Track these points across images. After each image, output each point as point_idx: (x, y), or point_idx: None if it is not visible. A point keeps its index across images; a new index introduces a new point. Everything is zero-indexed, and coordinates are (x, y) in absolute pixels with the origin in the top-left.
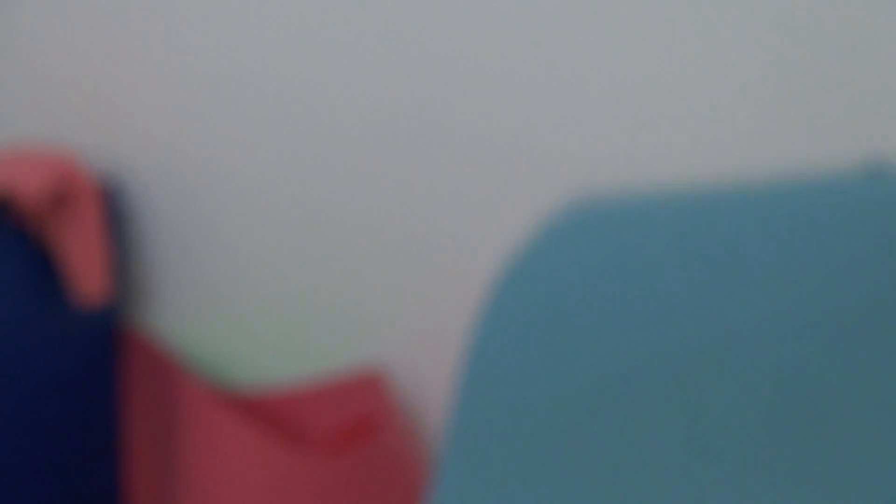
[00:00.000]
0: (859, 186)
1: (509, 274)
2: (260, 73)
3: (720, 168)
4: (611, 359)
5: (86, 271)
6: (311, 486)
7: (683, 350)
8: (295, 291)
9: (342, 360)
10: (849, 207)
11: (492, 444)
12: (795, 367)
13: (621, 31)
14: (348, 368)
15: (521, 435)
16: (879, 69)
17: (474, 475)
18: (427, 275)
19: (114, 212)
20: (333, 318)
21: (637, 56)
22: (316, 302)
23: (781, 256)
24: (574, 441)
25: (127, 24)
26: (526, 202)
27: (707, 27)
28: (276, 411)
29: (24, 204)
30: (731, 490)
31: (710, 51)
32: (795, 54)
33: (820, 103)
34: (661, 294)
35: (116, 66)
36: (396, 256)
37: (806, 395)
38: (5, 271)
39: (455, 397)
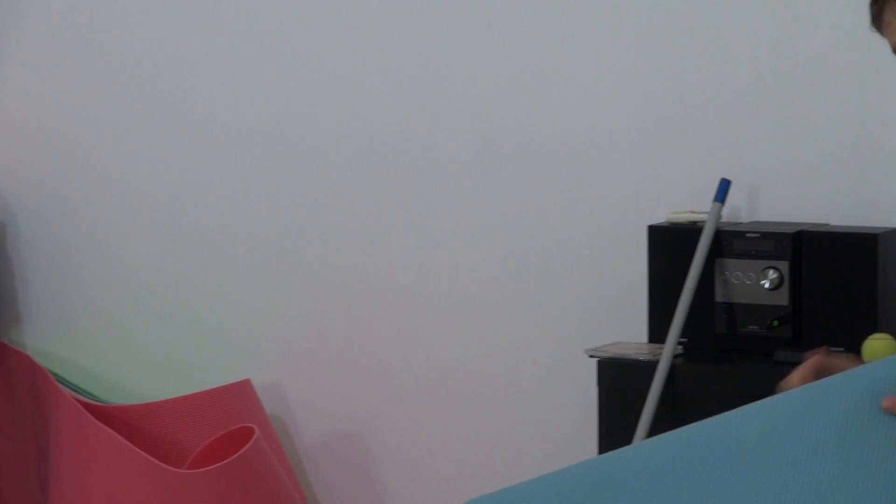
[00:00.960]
0: None
1: None
2: (142, 101)
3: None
4: None
5: None
6: (181, 496)
7: None
8: (166, 312)
9: (212, 376)
10: None
11: None
12: None
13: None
14: (218, 385)
15: None
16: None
17: None
18: (290, 295)
19: None
20: (204, 336)
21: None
22: (186, 322)
23: None
24: None
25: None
26: (383, 223)
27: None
28: (147, 423)
29: None
30: None
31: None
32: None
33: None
34: None
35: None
36: (257, 281)
37: None
38: None
39: None
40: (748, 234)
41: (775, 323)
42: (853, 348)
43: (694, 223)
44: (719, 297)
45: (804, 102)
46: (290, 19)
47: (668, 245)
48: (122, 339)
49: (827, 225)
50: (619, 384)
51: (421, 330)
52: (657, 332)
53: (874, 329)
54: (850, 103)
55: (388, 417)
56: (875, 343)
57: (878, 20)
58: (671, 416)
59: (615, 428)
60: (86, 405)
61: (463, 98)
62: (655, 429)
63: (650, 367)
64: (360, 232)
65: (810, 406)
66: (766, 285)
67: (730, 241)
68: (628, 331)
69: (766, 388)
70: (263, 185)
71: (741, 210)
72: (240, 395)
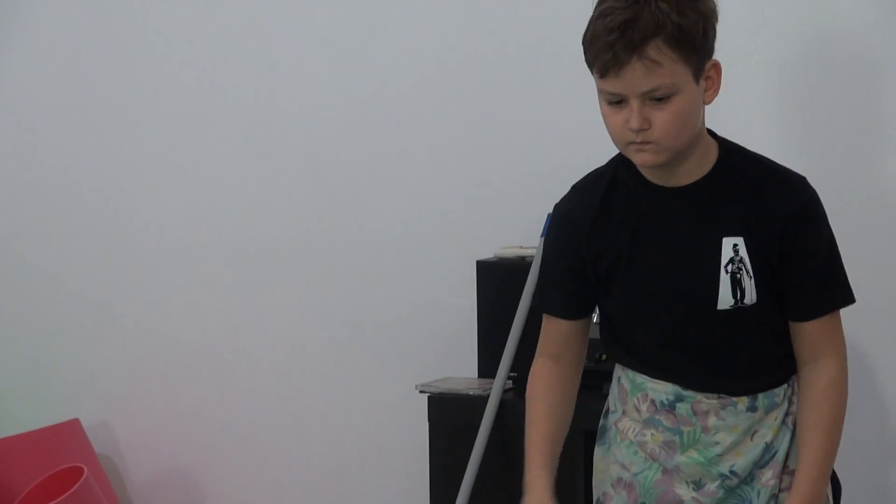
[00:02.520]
0: None
1: None
2: None
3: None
4: None
5: None
6: None
7: None
8: None
9: (40, 416)
10: None
11: None
12: None
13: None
14: (46, 424)
15: None
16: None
17: None
18: (118, 333)
19: None
20: (32, 375)
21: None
22: (12, 359)
23: None
24: None
25: None
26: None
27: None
28: None
29: None
30: None
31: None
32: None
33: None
34: None
35: None
36: (85, 318)
37: None
38: None
39: None
40: None
41: (603, 357)
42: None
43: (522, 258)
44: None
45: None
46: None
47: (497, 280)
48: None
49: None
50: (449, 419)
51: (250, 367)
52: (487, 366)
53: None
54: None
55: (217, 456)
56: None
57: (640, 52)
58: (502, 450)
59: (446, 462)
60: None
61: (295, 136)
62: (486, 463)
63: (480, 401)
64: (186, 271)
65: None
66: (594, 319)
67: None
68: (458, 366)
69: (593, 421)
70: (85, 217)
71: None
72: (68, 435)
